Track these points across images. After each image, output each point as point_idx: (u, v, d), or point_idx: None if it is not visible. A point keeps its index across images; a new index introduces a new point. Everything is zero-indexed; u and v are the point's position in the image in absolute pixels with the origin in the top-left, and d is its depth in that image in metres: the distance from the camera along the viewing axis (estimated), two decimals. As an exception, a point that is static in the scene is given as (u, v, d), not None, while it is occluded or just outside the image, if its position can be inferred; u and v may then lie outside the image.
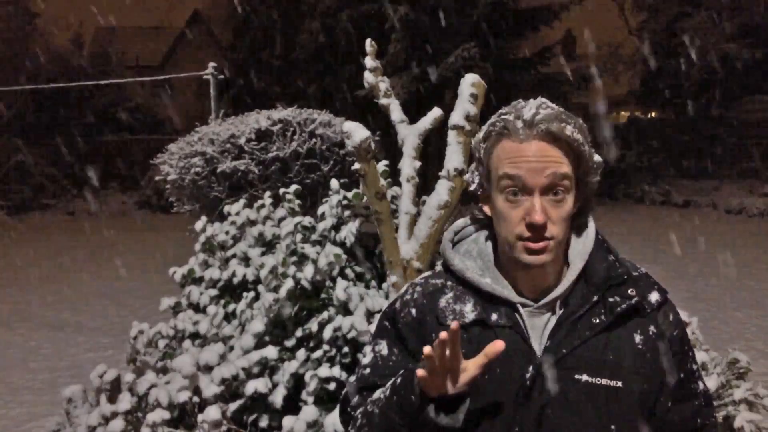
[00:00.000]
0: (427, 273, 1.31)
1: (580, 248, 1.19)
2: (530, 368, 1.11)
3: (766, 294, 7.76)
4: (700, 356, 2.99)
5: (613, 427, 1.10)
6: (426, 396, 1.06)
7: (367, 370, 1.26)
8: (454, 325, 1.00)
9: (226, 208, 3.69)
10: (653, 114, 23.02)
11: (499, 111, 1.16)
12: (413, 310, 1.23)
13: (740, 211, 14.79)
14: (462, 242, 1.26)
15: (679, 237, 11.82)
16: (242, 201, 3.74)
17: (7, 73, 18.67)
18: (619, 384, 1.10)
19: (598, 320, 1.13)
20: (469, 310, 1.17)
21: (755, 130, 18.15)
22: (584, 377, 1.10)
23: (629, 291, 1.14)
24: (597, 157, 1.17)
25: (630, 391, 1.11)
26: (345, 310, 3.00)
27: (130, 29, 31.89)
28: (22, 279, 9.76)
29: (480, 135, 1.18)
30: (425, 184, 3.31)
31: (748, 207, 14.73)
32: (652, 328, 1.15)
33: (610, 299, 1.14)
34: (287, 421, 2.71)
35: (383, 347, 1.26)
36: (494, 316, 1.15)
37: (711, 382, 2.88)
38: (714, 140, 18.64)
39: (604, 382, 1.10)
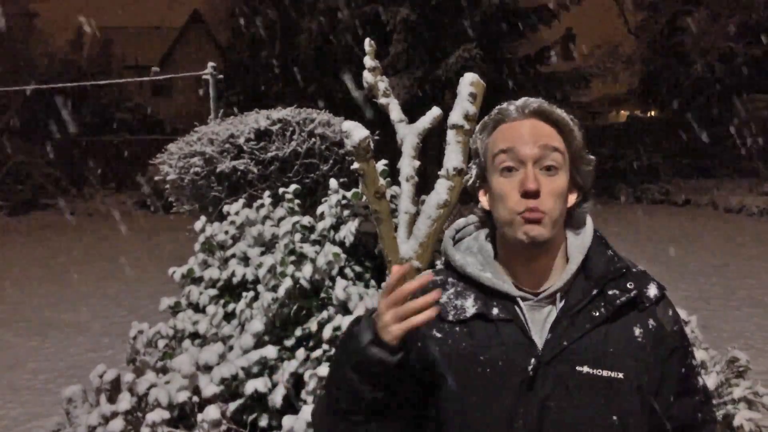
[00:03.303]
0: (427, 271, 1.31)
1: (579, 243, 1.21)
2: (532, 360, 1.11)
3: (766, 293, 7.76)
4: (700, 355, 2.99)
5: (614, 418, 1.11)
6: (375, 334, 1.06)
7: None
8: (406, 266, 1.05)
9: (226, 208, 3.69)
10: (653, 113, 23.03)
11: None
12: None
13: (740, 210, 14.79)
14: (463, 240, 1.28)
15: (678, 236, 11.83)
16: (241, 201, 3.74)
17: (6, 73, 18.67)
18: (620, 375, 1.11)
19: (598, 313, 1.14)
20: (470, 305, 1.18)
21: (755, 129, 18.15)
22: (585, 369, 1.11)
23: (628, 284, 1.16)
24: (591, 156, 1.21)
25: (631, 383, 1.12)
26: (344, 309, 3.00)
27: (129, 29, 31.88)
28: (22, 279, 9.76)
29: (477, 128, 1.23)
30: (425, 184, 3.31)
31: (747, 206, 14.73)
32: (651, 322, 1.16)
33: (610, 292, 1.15)
34: (287, 420, 2.70)
35: None
36: (495, 311, 1.16)
37: (711, 381, 2.89)
38: (713, 139, 18.63)
39: (605, 373, 1.11)
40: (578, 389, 1.11)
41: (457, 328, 1.17)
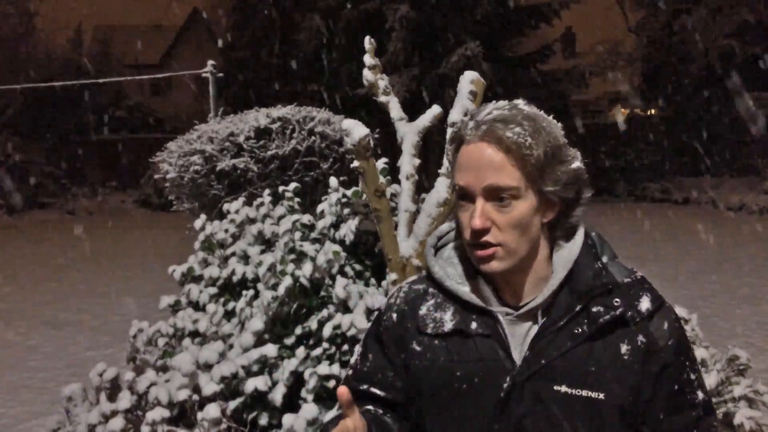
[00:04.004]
0: (413, 277, 1.29)
1: (566, 255, 1.15)
2: (507, 379, 1.09)
3: (766, 291, 7.76)
4: (700, 353, 2.99)
5: None
6: None
7: (350, 372, 1.28)
8: (340, 390, 1.02)
9: (226, 206, 3.69)
10: (653, 111, 23.00)
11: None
12: (394, 315, 1.22)
13: (740, 208, 14.80)
14: (445, 248, 1.25)
15: (679, 234, 11.83)
16: (241, 199, 3.74)
17: (5, 72, 18.67)
18: (601, 396, 1.07)
19: (580, 330, 1.09)
20: (449, 319, 1.15)
21: (755, 127, 18.13)
22: (564, 388, 1.08)
23: (614, 301, 1.11)
24: (574, 164, 1.11)
25: (613, 403, 1.08)
26: (344, 307, 3.00)
27: (129, 28, 31.87)
28: (22, 277, 9.76)
29: (448, 138, 1.19)
30: (425, 182, 3.31)
31: (747, 204, 14.74)
32: (641, 338, 1.11)
33: (594, 309, 1.10)
34: (287, 418, 2.70)
35: (362, 350, 1.27)
36: (473, 325, 1.13)
37: (711, 379, 2.89)
38: (714, 137, 18.63)
39: (585, 393, 1.07)
40: (556, 408, 1.08)
41: (436, 342, 1.15)
